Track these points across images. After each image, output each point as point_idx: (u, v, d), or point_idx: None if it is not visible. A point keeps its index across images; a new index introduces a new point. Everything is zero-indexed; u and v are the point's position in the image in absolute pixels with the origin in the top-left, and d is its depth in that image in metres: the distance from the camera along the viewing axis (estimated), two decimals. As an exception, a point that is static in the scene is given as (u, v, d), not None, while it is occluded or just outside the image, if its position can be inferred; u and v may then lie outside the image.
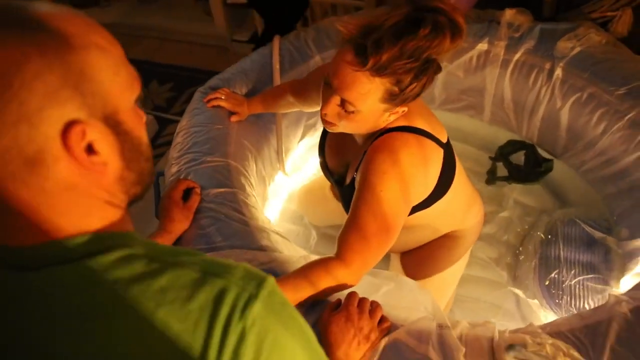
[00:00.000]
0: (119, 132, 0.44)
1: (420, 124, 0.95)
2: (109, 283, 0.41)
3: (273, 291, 0.45)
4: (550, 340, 0.77)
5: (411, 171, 0.90)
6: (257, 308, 0.42)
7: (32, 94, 0.38)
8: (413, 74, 0.82)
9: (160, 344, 0.40)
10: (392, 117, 0.91)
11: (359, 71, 0.82)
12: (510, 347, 0.78)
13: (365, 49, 0.80)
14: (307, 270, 0.86)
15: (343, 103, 0.87)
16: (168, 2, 3.06)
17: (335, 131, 0.97)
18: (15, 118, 0.38)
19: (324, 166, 1.22)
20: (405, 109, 0.91)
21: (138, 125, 0.47)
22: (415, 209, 1.00)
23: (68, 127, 0.39)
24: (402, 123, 0.94)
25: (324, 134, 1.21)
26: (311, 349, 0.49)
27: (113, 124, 0.43)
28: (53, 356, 0.40)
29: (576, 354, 0.75)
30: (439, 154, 0.97)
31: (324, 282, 0.85)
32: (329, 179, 1.25)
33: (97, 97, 0.42)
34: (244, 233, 1.00)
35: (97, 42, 0.43)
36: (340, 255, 0.87)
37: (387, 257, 1.37)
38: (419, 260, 1.25)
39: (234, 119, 1.33)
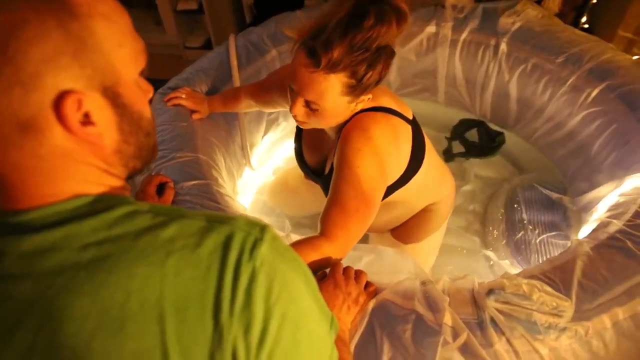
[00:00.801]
0: (117, 105, 0.44)
1: (386, 102, 0.99)
2: (116, 237, 0.42)
3: (276, 236, 0.47)
4: (526, 281, 0.82)
5: (384, 146, 0.94)
6: (264, 249, 0.44)
7: (27, 60, 0.38)
8: (367, 64, 0.86)
9: (174, 290, 0.41)
10: (359, 105, 0.95)
11: (314, 72, 0.85)
12: (490, 292, 0.83)
13: (317, 50, 0.84)
14: (294, 249, 0.87)
15: (307, 103, 0.91)
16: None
17: (308, 127, 1.01)
18: (10, 82, 0.38)
19: (301, 160, 1.24)
20: (370, 96, 0.95)
21: (139, 99, 0.47)
22: (394, 188, 1.04)
23: (62, 96, 0.39)
24: (370, 104, 0.98)
25: (299, 130, 1.23)
26: (314, 289, 0.51)
27: (112, 96, 0.43)
28: (65, 309, 0.40)
29: (549, 289, 0.81)
30: (407, 130, 1.01)
31: (311, 259, 0.87)
32: (305, 172, 1.27)
33: (97, 68, 0.41)
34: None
35: (103, 11, 0.42)
36: (324, 233, 0.89)
37: (365, 238, 1.41)
38: (398, 236, 1.29)
39: (195, 116, 1.34)
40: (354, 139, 0.93)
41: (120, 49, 0.43)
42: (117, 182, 0.47)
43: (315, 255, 0.87)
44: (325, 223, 0.90)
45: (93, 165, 0.44)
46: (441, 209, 1.27)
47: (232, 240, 0.43)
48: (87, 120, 0.41)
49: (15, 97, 0.38)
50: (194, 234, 0.43)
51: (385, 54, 0.88)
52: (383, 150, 0.94)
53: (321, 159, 1.18)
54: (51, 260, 0.41)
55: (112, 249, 0.41)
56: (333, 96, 0.88)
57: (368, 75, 0.87)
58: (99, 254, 0.41)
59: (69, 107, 0.39)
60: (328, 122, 0.97)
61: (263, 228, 0.46)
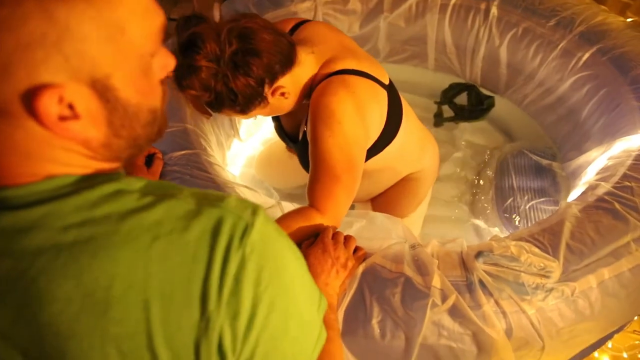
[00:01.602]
0: (107, 99, 0.39)
1: (355, 65, 0.96)
2: (100, 218, 0.40)
3: (267, 218, 0.45)
4: (514, 243, 0.82)
5: (344, 112, 0.89)
6: (254, 235, 0.42)
7: None
8: (224, 94, 0.86)
9: (160, 276, 0.39)
10: (289, 95, 0.94)
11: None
12: (478, 254, 0.83)
13: None
14: (286, 220, 0.86)
15: None
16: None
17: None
18: None
19: (279, 129, 1.23)
20: (283, 86, 0.92)
21: (140, 89, 0.41)
22: (370, 154, 1.03)
23: (37, 90, 0.35)
24: (339, 67, 0.95)
25: None
26: (303, 272, 0.50)
27: (101, 89, 0.38)
28: (48, 290, 0.39)
29: (537, 250, 0.82)
30: (380, 94, 0.99)
31: (305, 231, 0.85)
32: (285, 141, 1.26)
33: (85, 59, 0.36)
34: (211, 188, 0.99)
35: None
36: (314, 205, 0.88)
37: (351, 209, 1.41)
38: (383, 205, 1.29)
39: None
40: (318, 108, 0.90)
41: (122, 36, 0.38)
42: (105, 165, 0.44)
43: (308, 226, 0.85)
44: (312, 196, 0.88)
45: (77, 152, 0.41)
46: (424, 177, 1.27)
47: (222, 225, 0.41)
48: (69, 114, 0.37)
49: None
50: (181, 217, 0.41)
51: (231, 76, 0.84)
52: (348, 117, 0.90)
53: (296, 124, 1.17)
54: (31, 239, 0.39)
55: (96, 232, 0.39)
56: (240, 116, 0.94)
57: (239, 96, 0.87)
58: (82, 236, 0.39)
59: (45, 102, 0.35)
60: (273, 114, 1.02)
61: (254, 210, 0.44)
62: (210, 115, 0.95)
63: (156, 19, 0.41)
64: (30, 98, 0.35)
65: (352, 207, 1.42)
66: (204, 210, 0.42)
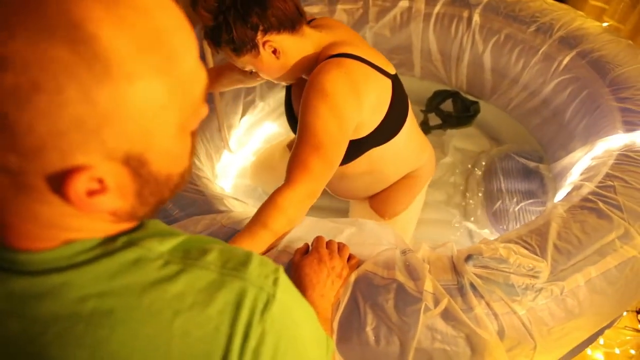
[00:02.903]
0: (140, 174, 0.37)
1: (356, 51, 0.99)
2: (119, 289, 0.39)
3: (287, 284, 0.45)
4: (502, 245, 0.84)
5: (335, 89, 0.93)
6: (275, 308, 0.42)
7: (29, 132, 0.31)
8: (223, 31, 0.90)
9: (180, 349, 0.39)
10: (267, 49, 0.96)
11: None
12: (468, 257, 0.84)
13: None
14: (258, 214, 0.88)
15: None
16: None
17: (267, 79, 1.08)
18: (3, 148, 0.32)
19: (291, 118, 1.22)
20: (273, 41, 0.95)
21: (174, 158, 0.40)
22: (371, 143, 1.05)
23: (70, 173, 0.33)
24: (338, 51, 0.98)
25: (288, 88, 1.22)
26: (315, 325, 0.51)
27: (135, 164, 0.36)
28: (62, 357, 0.38)
29: (525, 251, 0.83)
30: (381, 81, 1.01)
31: (275, 218, 0.86)
32: (292, 127, 1.26)
33: (123, 141, 0.34)
34: (200, 202, 1.01)
35: (153, 64, 0.34)
36: (288, 176, 0.90)
37: (345, 211, 1.43)
38: (377, 208, 1.31)
39: None
40: (312, 83, 0.94)
41: (164, 111, 0.35)
42: (126, 225, 0.42)
43: (278, 214, 0.86)
44: (289, 166, 0.91)
45: (99, 219, 0.40)
46: (422, 175, 1.31)
47: (244, 299, 0.41)
48: (98, 187, 0.35)
49: (10, 162, 0.32)
50: (203, 290, 0.40)
51: (232, 13, 0.90)
52: (334, 93, 0.92)
53: None
54: (45, 306, 0.38)
55: (115, 304, 0.38)
56: (235, 57, 0.97)
57: (235, 36, 0.91)
58: (101, 307, 0.38)
59: (74, 184, 0.34)
60: (267, 75, 1.04)
61: (276, 279, 0.43)
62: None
63: (199, 85, 0.39)
64: (60, 180, 0.34)
65: (347, 210, 1.43)
66: (226, 282, 0.41)
